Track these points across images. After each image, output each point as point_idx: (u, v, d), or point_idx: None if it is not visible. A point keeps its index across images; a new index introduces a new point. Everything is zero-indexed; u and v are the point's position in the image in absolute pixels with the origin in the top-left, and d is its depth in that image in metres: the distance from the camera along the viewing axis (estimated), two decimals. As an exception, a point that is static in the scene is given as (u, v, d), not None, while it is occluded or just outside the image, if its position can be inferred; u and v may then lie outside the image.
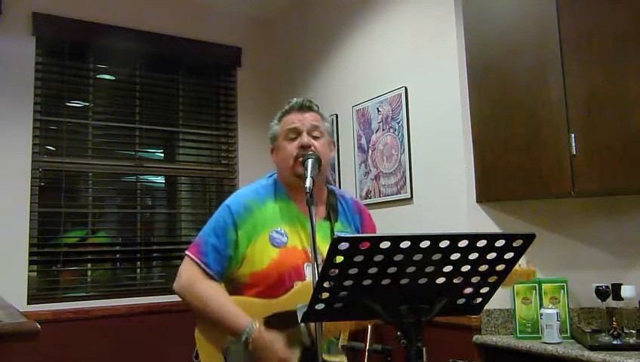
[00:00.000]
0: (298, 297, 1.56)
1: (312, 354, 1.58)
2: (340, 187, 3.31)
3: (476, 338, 2.41)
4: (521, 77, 2.39)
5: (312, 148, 1.68)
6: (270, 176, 1.84)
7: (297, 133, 1.72)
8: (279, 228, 1.70)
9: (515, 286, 2.34)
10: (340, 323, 1.62)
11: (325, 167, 1.74)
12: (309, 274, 1.65)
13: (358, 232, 1.84)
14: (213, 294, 1.66)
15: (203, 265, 1.67)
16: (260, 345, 1.56)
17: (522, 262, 1.84)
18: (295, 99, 1.78)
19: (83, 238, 3.54)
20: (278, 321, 1.61)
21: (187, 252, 1.71)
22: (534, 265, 1.86)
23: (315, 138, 1.72)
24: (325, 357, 1.65)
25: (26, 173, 3.23)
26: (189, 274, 1.68)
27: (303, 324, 1.55)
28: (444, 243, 1.03)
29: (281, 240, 1.69)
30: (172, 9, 3.83)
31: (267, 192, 1.77)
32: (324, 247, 1.55)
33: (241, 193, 1.77)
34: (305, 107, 1.75)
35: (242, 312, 1.62)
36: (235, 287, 1.74)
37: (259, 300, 1.65)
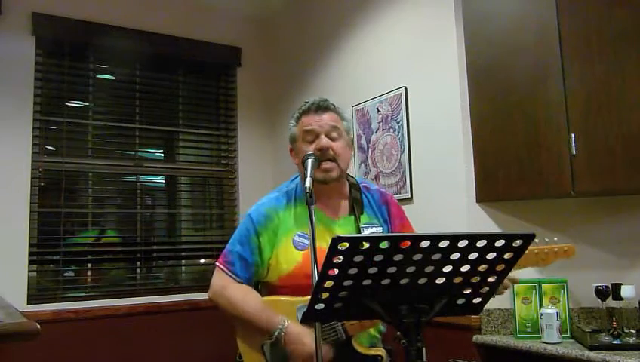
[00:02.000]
0: None
1: (347, 349, 1.63)
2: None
3: (476, 338, 2.41)
4: (521, 77, 2.39)
5: (331, 150, 1.68)
6: (293, 180, 1.85)
7: (315, 135, 1.70)
8: (302, 232, 1.73)
9: (516, 286, 2.34)
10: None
11: (346, 167, 1.75)
12: None
13: (387, 223, 1.84)
14: (244, 297, 1.71)
15: (231, 274, 1.73)
16: (292, 339, 1.59)
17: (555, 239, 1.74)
18: (312, 98, 1.76)
19: (98, 238, 3.56)
20: None
21: (216, 262, 1.78)
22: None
23: (333, 139, 1.70)
24: (361, 349, 1.68)
25: (26, 173, 3.23)
26: (220, 282, 1.75)
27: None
28: (443, 243, 1.03)
29: (305, 243, 1.71)
30: (172, 9, 3.82)
31: (288, 198, 1.79)
32: None
33: (261, 202, 1.81)
34: (322, 108, 1.73)
35: (273, 311, 1.66)
36: (268, 289, 1.79)
37: (290, 298, 1.69)
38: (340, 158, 1.70)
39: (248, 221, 1.76)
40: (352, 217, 1.77)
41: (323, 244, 1.68)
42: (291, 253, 1.71)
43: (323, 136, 1.69)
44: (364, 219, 1.79)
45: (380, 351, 1.72)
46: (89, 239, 3.55)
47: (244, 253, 1.73)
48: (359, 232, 1.74)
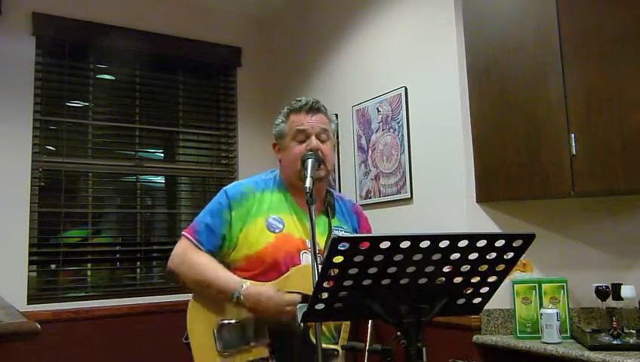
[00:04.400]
0: (292, 280, 1.64)
1: (305, 341, 1.60)
2: (340, 187, 3.32)
3: (476, 338, 2.41)
4: (521, 77, 2.39)
5: (320, 152, 1.72)
6: (272, 172, 1.90)
7: (306, 135, 1.75)
8: (276, 216, 1.76)
9: (516, 286, 2.33)
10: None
11: (330, 169, 1.80)
12: (305, 261, 1.70)
13: (356, 231, 1.88)
14: (206, 262, 1.72)
15: (196, 242, 1.74)
16: (253, 298, 1.61)
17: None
18: (304, 98, 1.81)
19: (84, 238, 3.54)
20: None
21: (183, 231, 1.79)
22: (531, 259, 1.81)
23: (322, 141, 1.76)
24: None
25: (26, 173, 3.23)
26: (183, 249, 1.75)
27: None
28: (444, 243, 1.03)
29: (277, 226, 1.74)
30: (172, 9, 3.83)
31: (266, 184, 1.84)
32: (322, 242, 1.64)
33: (239, 182, 1.86)
34: (314, 109, 1.78)
35: (234, 275, 1.68)
36: (230, 271, 1.77)
37: (253, 282, 1.68)
38: (327, 160, 1.76)
39: (222, 195, 1.78)
40: (325, 218, 1.80)
41: (294, 232, 1.74)
42: (263, 233, 1.72)
43: (314, 138, 1.74)
44: (334, 222, 1.82)
45: (336, 346, 1.72)
46: (75, 239, 3.51)
47: (213, 224, 1.74)
48: (331, 233, 1.76)
